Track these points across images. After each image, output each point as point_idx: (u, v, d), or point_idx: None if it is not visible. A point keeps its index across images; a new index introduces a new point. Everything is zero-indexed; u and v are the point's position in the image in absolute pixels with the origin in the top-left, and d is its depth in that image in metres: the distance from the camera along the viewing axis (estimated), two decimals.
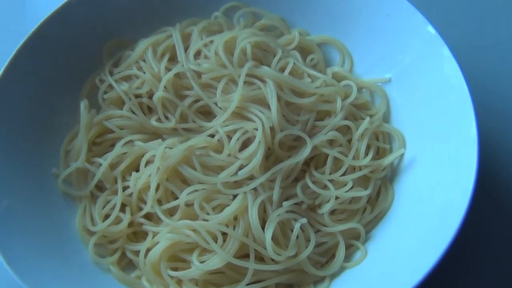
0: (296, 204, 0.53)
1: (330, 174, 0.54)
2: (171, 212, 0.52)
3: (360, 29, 0.61)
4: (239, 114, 0.55)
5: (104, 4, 0.61)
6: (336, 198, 0.52)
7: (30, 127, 0.56)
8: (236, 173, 0.52)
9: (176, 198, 0.52)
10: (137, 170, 0.54)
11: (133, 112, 0.58)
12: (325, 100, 0.57)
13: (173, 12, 0.63)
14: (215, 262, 0.49)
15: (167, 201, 0.52)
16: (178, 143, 0.54)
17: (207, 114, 0.58)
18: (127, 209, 0.54)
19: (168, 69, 0.58)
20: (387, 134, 0.57)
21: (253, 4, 0.64)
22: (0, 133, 0.53)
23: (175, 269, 0.50)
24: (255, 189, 0.52)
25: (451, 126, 0.51)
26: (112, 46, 0.62)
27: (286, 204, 0.51)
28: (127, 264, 0.53)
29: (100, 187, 0.56)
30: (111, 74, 0.60)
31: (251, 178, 0.52)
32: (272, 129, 0.53)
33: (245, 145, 0.54)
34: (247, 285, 0.49)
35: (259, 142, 0.52)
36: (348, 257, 0.52)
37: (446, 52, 0.53)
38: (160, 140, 0.55)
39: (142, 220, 0.53)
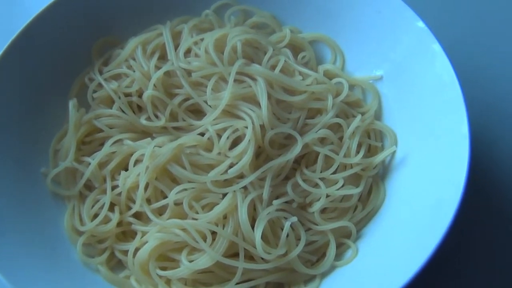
0: (286, 202, 0.52)
1: (321, 172, 0.53)
2: (160, 211, 0.52)
3: (352, 26, 0.60)
4: (230, 112, 0.55)
5: (94, 2, 0.60)
6: (327, 196, 0.52)
7: (19, 126, 0.55)
8: (226, 171, 0.51)
9: (166, 197, 0.52)
10: (127, 169, 0.54)
11: (123, 111, 0.57)
12: (316, 98, 0.56)
13: (163, 10, 0.63)
14: (204, 261, 0.48)
15: (156, 200, 0.52)
16: (167, 141, 0.54)
17: (197, 112, 0.57)
18: (116, 208, 0.53)
19: (158, 68, 0.58)
20: (379, 132, 0.57)
21: (244, 2, 0.63)
22: None
23: (164, 268, 0.50)
24: (245, 187, 0.51)
25: (443, 123, 0.51)
26: (102, 44, 0.62)
27: (276, 202, 0.51)
28: (116, 264, 0.53)
29: (89, 187, 0.55)
30: (101, 72, 0.59)
31: (241, 176, 0.52)
32: (262, 127, 0.53)
33: (235, 143, 0.53)
34: (236, 284, 0.49)
35: (249, 140, 0.52)
36: (339, 256, 0.51)
37: (437, 47, 0.52)
38: (149, 139, 0.55)
39: (131, 219, 0.53)
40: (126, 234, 0.54)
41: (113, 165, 0.54)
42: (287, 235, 0.49)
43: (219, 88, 0.56)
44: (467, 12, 0.71)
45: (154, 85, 0.56)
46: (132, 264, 0.50)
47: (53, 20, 0.58)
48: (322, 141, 0.55)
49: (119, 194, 0.53)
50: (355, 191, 0.52)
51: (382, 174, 0.55)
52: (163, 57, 0.60)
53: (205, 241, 0.49)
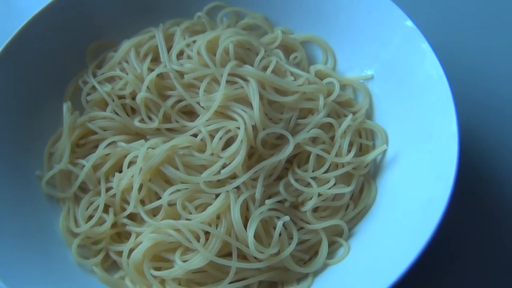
0: (279, 202, 0.53)
1: (313, 171, 0.54)
2: (154, 212, 0.52)
3: (343, 26, 0.61)
4: (222, 113, 0.55)
5: (88, 6, 0.61)
6: (319, 195, 0.52)
7: (14, 129, 0.56)
8: (219, 172, 0.52)
9: (159, 198, 0.52)
10: (121, 171, 0.54)
11: (117, 113, 0.58)
12: (307, 98, 0.57)
13: (156, 12, 0.64)
14: (197, 261, 0.49)
15: (150, 201, 0.53)
16: (161, 143, 0.55)
17: (190, 114, 0.58)
18: (111, 210, 0.54)
19: (151, 70, 0.58)
20: (370, 131, 0.57)
21: (236, 4, 0.64)
22: None
23: (158, 268, 0.50)
24: (238, 187, 0.52)
25: (432, 121, 0.51)
26: (96, 47, 0.62)
27: (268, 202, 0.51)
28: (110, 265, 0.53)
29: (83, 189, 0.56)
30: (95, 75, 0.60)
31: (234, 177, 0.52)
32: (254, 127, 0.53)
33: (228, 144, 0.54)
34: (230, 283, 0.49)
35: (241, 141, 0.52)
36: (331, 254, 0.52)
37: (425, 46, 0.53)
38: (143, 140, 0.55)
39: (126, 220, 0.53)
40: (120, 235, 0.54)
41: (107, 167, 0.55)
42: (280, 234, 0.50)
43: (212, 89, 0.56)
44: (455, 10, 0.72)
45: (147, 87, 0.57)
46: (127, 265, 0.51)
47: (47, 23, 0.59)
48: (314, 140, 0.55)
49: (114, 195, 0.54)
50: (346, 190, 0.53)
51: (373, 172, 0.56)
52: (156, 59, 0.60)
53: (198, 241, 0.49)
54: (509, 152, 0.61)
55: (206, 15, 0.63)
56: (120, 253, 0.52)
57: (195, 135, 0.55)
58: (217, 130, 0.54)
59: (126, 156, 0.54)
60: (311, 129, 0.55)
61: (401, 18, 0.55)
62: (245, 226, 0.50)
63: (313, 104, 0.56)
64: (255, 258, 0.50)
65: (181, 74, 0.57)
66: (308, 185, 0.53)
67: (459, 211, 0.56)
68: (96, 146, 0.57)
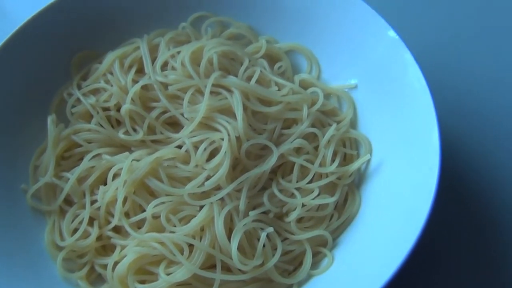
0: (263, 213, 0.53)
1: (297, 182, 0.54)
2: (139, 225, 0.53)
3: (327, 35, 0.61)
4: (206, 125, 0.55)
5: (72, 17, 0.61)
6: (303, 205, 0.53)
7: None
8: (203, 184, 0.52)
9: (144, 210, 0.52)
10: (106, 184, 0.55)
11: (101, 126, 0.58)
12: (291, 108, 0.57)
13: (141, 23, 0.64)
14: (181, 274, 0.49)
15: (135, 214, 0.53)
16: (145, 155, 0.55)
17: (175, 125, 0.58)
18: (95, 223, 0.54)
19: (135, 81, 0.58)
20: (354, 140, 0.57)
21: (221, 13, 0.64)
22: None
23: (142, 282, 0.50)
24: (222, 199, 0.52)
25: (415, 131, 0.51)
26: (81, 59, 0.62)
27: (252, 213, 0.51)
28: (95, 278, 0.53)
29: (69, 202, 0.56)
30: (79, 87, 0.60)
31: (218, 188, 0.53)
32: (238, 138, 0.54)
33: (213, 155, 0.54)
34: None
35: (225, 152, 0.52)
36: (315, 264, 0.52)
37: (408, 57, 0.53)
38: (127, 153, 0.56)
39: (111, 233, 0.53)
40: (106, 248, 0.54)
41: (92, 180, 0.55)
42: (264, 246, 0.50)
43: (196, 100, 0.56)
44: (436, 14, 0.73)
45: (132, 99, 0.57)
46: (112, 278, 0.51)
47: (31, 36, 0.59)
48: (298, 151, 0.55)
49: (98, 208, 0.54)
50: (330, 200, 0.53)
51: (357, 182, 0.56)
52: (140, 71, 0.60)
53: (182, 253, 0.49)
54: (491, 155, 0.62)
55: (191, 26, 0.63)
56: (105, 266, 0.52)
57: (179, 147, 0.55)
58: (201, 142, 0.54)
59: (110, 169, 0.54)
60: (295, 139, 0.55)
61: (384, 28, 0.55)
62: (230, 238, 0.50)
63: (297, 114, 0.56)
64: (239, 270, 0.50)
65: (165, 86, 0.58)
66: (292, 195, 0.53)
67: (443, 217, 0.56)
68: (81, 159, 0.57)
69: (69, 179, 0.55)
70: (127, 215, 0.53)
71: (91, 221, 0.54)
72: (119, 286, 0.50)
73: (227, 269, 0.50)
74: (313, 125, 0.56)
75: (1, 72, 0.57)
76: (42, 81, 0.60)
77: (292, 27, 0.63)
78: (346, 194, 0.55)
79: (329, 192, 0.54)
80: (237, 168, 0.54)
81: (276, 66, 0.62)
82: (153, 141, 0.57)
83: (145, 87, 0.58)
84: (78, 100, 0.59)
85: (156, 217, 0.52)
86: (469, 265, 0.56)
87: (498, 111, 0.65)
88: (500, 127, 0.64)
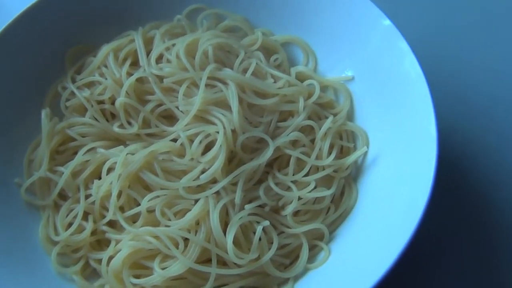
0: (259, 206, 0.52)
1: (293, 175, 0.53)
2: (134, 219, 0.52)
3: (323, 27, 0.60)
4: (202, 118, 0.55)
5: (66, 10, 0.60)
6: (299, 199, 0.52)
7: None
8: (198, 177, 0.52)
9: (139, 204, 0.52)
10: (100, 178, 0.54)
11: (96, 119, 0.57)
12: (288, 100, 0.56)
13: (136, 16, 0.63)
14: (176, 268, 0.48)
15: (130, 208, 0.52)
16: (140, 149, 0.54)
17: (170, 118, 0.57)
18: (90, 217, 0.53)
19: (130, 74, 0.58)
20: (351, 132, 0.57)
21: (216, 6, 0.63)
22: None
23: (137, 276, 0.50)
24: (218, 192, 0.51)
25: (412, 122, 0.51)
26: (75, 52, 0.62)
27: (248, 207, 0.51)
28: (90, 273, 0.53)
29: (63, 196, 0.55)
30: (74, 81, 0.60)
31: (214, 181, 0.52)
32: (234, 131, 0.53)
33: (208, 148, 0.53)
34: None
35: (221, 145, 0.52)
36: (311, 258, 0.52)
37: (404, 45, 0.52)
38: (122, 146, 0.55)
39: (105, 228, 0.53)
40: (100, 242, 0.54)
41: (86, 174, 0.54)
42: (260, 239, 0.50)
43: (191, 93, 0.56)
44: (432, 4, 0.72)
45: (127, 92, 0.56)
46: (106, 273, 0.50)
47: (25, 29, 0.58)
48: (294, 143, 0.55)
49: (93, 203, 0.53)
50: (327, 193, 0.52)
51: (354, 174, 0.55)
52: (135, 64, 0.60)
53: (177, 248, 0.49)
54: (490, 146, 0.61)
55: (186, 18, 0.63)
56: (100, 261, 0.52)
57: (174, 140, 0.55)
58: (196, 135, 0.53)
59: (105, 163, 0.54)
60: (291, 132, 0.55)
61: (379, 17, 0.54)
62: (225, 232, 0.49)
63: (293, 106, 0.56)
64: (235, 264, 0.49)
65: (160, 78, 0.57)
66: (288, 189, 0.53)
67: (441, 210, 0.56)
68: (76, 153, 0.56)
69: (63, 173, 0.55)
70: (121, 209, 0.52)
71: (85, 216, 0.54)
72: (114, 280, 0.50)
73: (222, 263, 0.50)
74: (309, 118, 0.56)
75: None
76: (36, 74, 0.60)
77: (288, 19, 0.62)
78: (343, 187, 0.54)
79: (325, 185, 0.54)
80: (232, 161, 0.54)
81: (272, 58, 0.61)
82: (148, 135, 0.57)
83: (140, 80, 0.57)
84: (73, 93, 0.59)
85: (151, 211, 0.51)
86: (468, 257, 0.56)
87: (496, 101, 0.64)
88: (498, 117, 0.63)
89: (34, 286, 0.51)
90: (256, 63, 0.57)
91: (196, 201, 0.51)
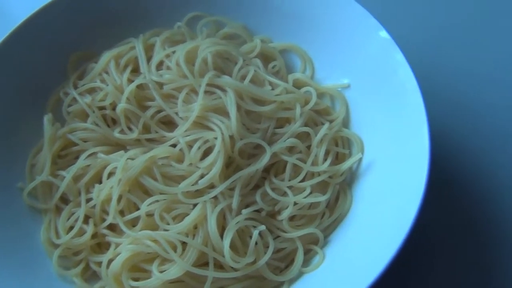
0: (256, 211, 0.53)
1: (289, 180, 0.54)
2: (133, 223, 0.53)
3: (321, 35, 0.62)
4: (200, 124, 0.56)
5: (69, 18, 0.62)
6: (295, 204, 0.53)
7: None
8: (196, 182, 0.53)
9: (139, 208, 0.53)
10: (101, 182, 0.55)
11: (97, 125, 0.58)
12: (285, 107, 0.57)
13: (137, 23, 0.64)
14: (174, 271, 0.50)
15: (129, 212, 0.53)
16: (140, 154, 0.55)
17: (170, 124, 0.58)
18: (91, 221, 0.54)
19: (131, 81, 0.59)
20: (346, 139, 0.58)
21: (216, 13, 0.65)
22: None
23: (136, 279, 0.51)
24: (215, 197, 0.53)
25: (406, 131, 0.52)
26: (77, 58, 0.63)
27: (245, 212, 0.52)
28: (91, 276, 0.54)
29: (65, 200, 0.57)
30: (76, 86, 0.61)
31: (212, 186, 0.53)
32: (232, 138, 0.54)
33: (206, 154, 0.54)
34: None
35: (219, 151, 0.53)
36: (306, 262, 0.53)
37: (400, 57, 0.53)
38: (122, 151, 0.56)
39: (105, 231, 0.54)
40: (101, 245, 0.55)
41: (87, 178, 0.56)
42: (256, 243, 0.51)
43: (190, 100, 0.57)
44: (429, 14, 0.74)
45: (127, 98, 0.58)
46: (106, 275, 0.52)
47: (29, 36, 0.59)
48: (291, 150, 0.56)
49: (94, 206, 0.55)
50: (322, 198, 0.54)
51: (349, 180, 0.57)
52: (136, 70, 0.61)
53: (175, 251, 0.50)
54: (482, 152, 0.62)
55: (186, 25, 0.64)
56: (100, 264, 0.53)
57: (174, 146, 0.56)
58: (195, 141, 0.55)
59: (106, 167, 0.55)
60: (288, 138, 0.56)
61: (376, 28, 0.55)
62: (222, 236, 0.51)
63: (290, 113, 0.57)
64: (232, 267, 0.50)
65: (160, 85, 0.58)
66: (284, 194, 0.54)
67: (433, 215, 0.57)
68: (77, 157, 0.58)
69: (65, 177, 0.56)
70: (121, 213, 0.53)
71: (86, 219, 0.55)
72: (113, 283, 0.51)
73: (219, 266, 0.51)
74: (306, 124, 0.57)
75: None
76: (38, 80, 0.61)
77: (286, 27, 0.63)
78: (338, 192, 0.56)
79: (321, 190, 0.55)
80: (230, 166, 0.55)
81: (270, 65, 0.62)
82: (148, 140, 0.58)
83: (140, 87, 0.59)
84: (74, 99, 0.60)
85: (150, 215, 0.52)
86: (460, 260, 0.57)
87: (489, 109, 0.65)
88: (491, 124, 0.64)
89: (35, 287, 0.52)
90: (254, 70, 0.59)
91: (194, 205, 0.53)
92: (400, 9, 0.74)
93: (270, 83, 0.59)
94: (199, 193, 0.53)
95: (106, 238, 0.54)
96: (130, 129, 0.58)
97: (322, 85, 0.61)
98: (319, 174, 0.55)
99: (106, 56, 0.61)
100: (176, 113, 0.57)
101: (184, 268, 0.49)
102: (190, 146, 0.54)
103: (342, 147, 0.57)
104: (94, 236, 0.55)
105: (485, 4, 0.74)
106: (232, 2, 0.64)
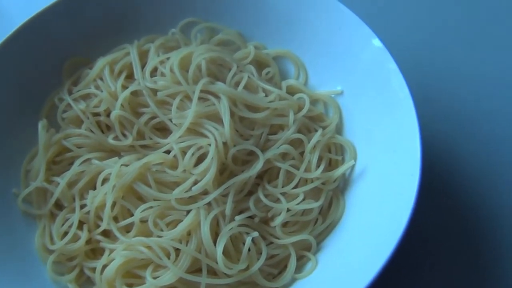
0: (249, 217, 0.54)
1: (282, 187, 0.55)
2: (127, 229, 0.54)
3: (314, 42, 0.62)
4: (194, 130, 0.56)
5: (64, 24, 0.62)
6: (288, 210, 0.54)
7: None
8: (190, 188, 0.53)
9: (132, 215, 0.53)
10: (95, 188, 0.56)
11: (91, 131, 0.59)
12: (278, 114, 0.58)
13: (131, 29, 0.64)
14: (167, 277, 0.50)
15: (123, 218, 0.54)
16: (134, 160, 0.56)
17: (164, 130, 0.59)
18: (85, 226, 0.55)
19: (125, 87, 0.59)
20: (339, 146, 0.58)
21: (210, 20, 0.65)
22: None
23: (130, 285, 0.51)
24: (209, 204, 0.53)
25: (398, 138, 0.52)
26: (72, 64, 0.63)
27: (238, 218, 0.52)
28: (85, 281, 0.54)
29: (59, 206, 0.57)
30: (70, 92, 0.61)
31: (205, 193, 0.54)
32: (225, 144, 0.55)
33: (200, 160, 0.55)
34: None
35: (212, 158, 0.53)
36: (299, 268, 0.53)
37: (392, 66, 0.54)
38: (116, 158, 0.57)
39: (100, 237, 0.54)
40: (95, 251, 0.55)
41: (81, 184, 0.56)
42: (249, 250, 0.51)
43: (184, 106, 0.57)
44: (422, 20, 0.75)
45: (121, 104, 0.58)
46: (100, 281, 0.52)
47: (24, 42, 0.60)
48: (284, 156, 0.56)
49: (88, 212, 0.55)
50: (315, 205, 0.54)
51: (342, 187, 0.57)
52: (130, 76, 0.61)
53: (169, 258, 0.50)
54: (475, 158, 0.63)
55: (180, 32, 0.64)
56: (94, 270, 0.53)
57: (168, 152, 0.56)
58: (189, 147, 0.55)
59: (100, 174, 0.55)
60: (281, 145, 0.56)
61: (369, 36, 0.56)
62: (216, 242, 0.51)
63: (283, 120, 0.57)
64: (225, 273, 0.51)
65: (154, 92, 0.59)
66: (277, 200, 0.54)
67: (425, 219, 0.58)
68: (72, 163, 0.58)
69: (59, 183, 0.56)
70: (115, 219, 0.54)
71: (80, 225, 0.55)
72: None
73: (213, 273, 0.51)
74: (299, 131, 0.57)
75: None
76: (33, 86, 0.61)
77: (280, 34, 0.64)
78: (331, 199, 0.56)
79: (313, 197, 0.55)
80: (224, 173, 0.55)
81: (264, 72, 0.63)
82: (142, 146, 0.58)
83: (134, 93, 0.59)
84: (69, 105, 0.60)
85: (144, 221, 0.53)
86: (453, 267, 0.57)
87: (482, 113, 0.66)
88: (484, 128, 0.65)
89: None
90: (248, 77, 0.59)
91: (188, 212, 0.53)
92: (393, 12, 0.74)
93: (264, 90, 0.59)
94: (192, 199, 0.54)
95: (100, 244, 0.54)
96: (124, 135, 0.58)
97: (316, 91, 0.61)
98: (312, 180, 0.55)
99: (101, 62, 0.61)
100: (170, 120, 0.57)
101: (178, 275, 0.50)
102: (184, 153, 0.55)
103: (335, 153, 0.58)
104: (88, 242, 0.55)
105: (477, 8, 0.75)
106: (226, 8, 0.65)
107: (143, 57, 0.62)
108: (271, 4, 0.62)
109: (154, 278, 0.51)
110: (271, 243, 0.54)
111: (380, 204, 0.52)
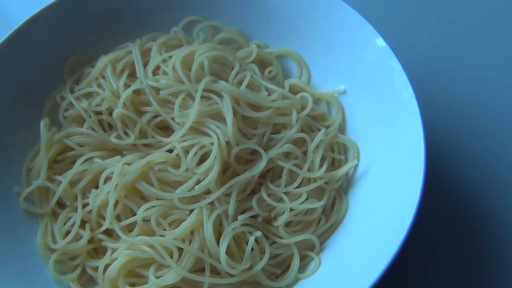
0: (252, 217, 0.54)
1: (285, 186, 0.55)
2: (130, 228, 0.53)
3: (317, 41, 0.62)
4: (197, 129, 0.56)
5: (65, 22, 0.62)
6: (291, 210, 0.53)
7: None
8: (193, 188, 0.53)
9: (135, 214, 0.53)
10: (97, 187, 0.55)
11: (94, 129, 0.58)
12: (281, 113, 0.58)
13: (133, 27, 0.64)
14: (170, 277, 0.50)
15: (126, 217, 0.54)
16: (137, 159, 0.55)
17: (166, 129, 0.59)
18: (87, 226, 0.55)
19: (127, 86, 0.59)
20: (342, 145, 0.58)
21: (212, 18, 0.65)
22: None
23: (132, 284, 0.51)
24: (212, 203, 0.53)
25: (402, 138, 0.52)
26: (74, 63, 0.63)
27: (241, 217, 0.52)
28: (87, 281, 0.54)
29: (61, 205, 0.57)
30: (72, 91, 0.61)
31: (208, 192, 0.53)
32: (228, 143, 0.54)
33: (203, 159, 0.55)
34: None
35: (215, 157, 0.53)
36: (302, 268, 0.53)
37: (396, 65, 0.54)
38: (119, 156, 0.56)
39: (102, 236, 0.54)
40: (97, 250, 0.55)
41: (84, 183, 0.56)
42: (252, 249, 0.51)
43: (187, 105, 0.57)
44: (426, 19, 0.74)
45: (124, 103, 0.58)
46: (102, 281, 0.52)
47: (26, 40, 0.59)
48: (287, 155, 0.56)
49: (90, 211, 0.55)
50: (318, 204, 0.54)
51: (346, 186, 0.57)
52: (132, 75, 0.61)
53: (171, 257, 0.50)
54: (478, 157, 0.63)
55: (183, 30, 0.64)
56: (96, 269, 0.53)
57: (170, 151, 0.56)
58: (191, 146, 0.55)
59: (102, 172, 0.55)
60: (284, 144, 0.56)
61: (373, 35, 0.56)
62: (219, 242, 0.51)
63: (286, 119, 0.57)
64: (228, 273, 0.51)
65: (157, 90, 0.58)
66: (280, 200, 0.54)
67: (429, 221, 0.58)
68: (74, 162, 0.58)
69: (61, 182, 0.56)
70: (118, 218, 0.54)
71: (83, 224, 0.55)
72: None
73: (215, 272, 0.51)
74: (302, 130, 0.57)
75: None
76: (35, 85, 0.61)
77: (283, 33, 0.63)
78: (334, 198, 0.56)
79: (317, 196, 0.55)
80: (226, 172, 0.55)
81: (267, 70, 0.62)
82: (145, 145, 0.58)
83: (137, 92, 0.59)
84: (71, 104, 0.60)
85: (146, 220, 0.52)
86: (457, 267, 0.57)
87: (486, 113, 0.66)
88: (487, 128, 0.65)
89: None
90: (251, 76, 0.59)
91: (191, 211, 0.53)
92: (396, 11, 0.74)
93: (267, 89, 0.59)
94: (195, 198, 0.53)
95: (103, 243, 0.54)
96: (126, 134, 0.58)
97: (318, 90, 0.61)
98: (315, 180, 0.55)
99: (103, 61, 0.61)
100: (173, 118, 0.57)
101: (181, 274, 0.50)
102: (186, 152, 0.55)
103: (338, 153, 0.58)
104: (90, 241, 0.55)
105: (482, 8, 0.74)
106: (228, 7, 0.64)
107: (145, 56, 0.62)
108: (273, 3, 0.62)
109: (157, 277, 0.50)
110: (274, 242, 0.54)
111: (384, 204, 0.51)
